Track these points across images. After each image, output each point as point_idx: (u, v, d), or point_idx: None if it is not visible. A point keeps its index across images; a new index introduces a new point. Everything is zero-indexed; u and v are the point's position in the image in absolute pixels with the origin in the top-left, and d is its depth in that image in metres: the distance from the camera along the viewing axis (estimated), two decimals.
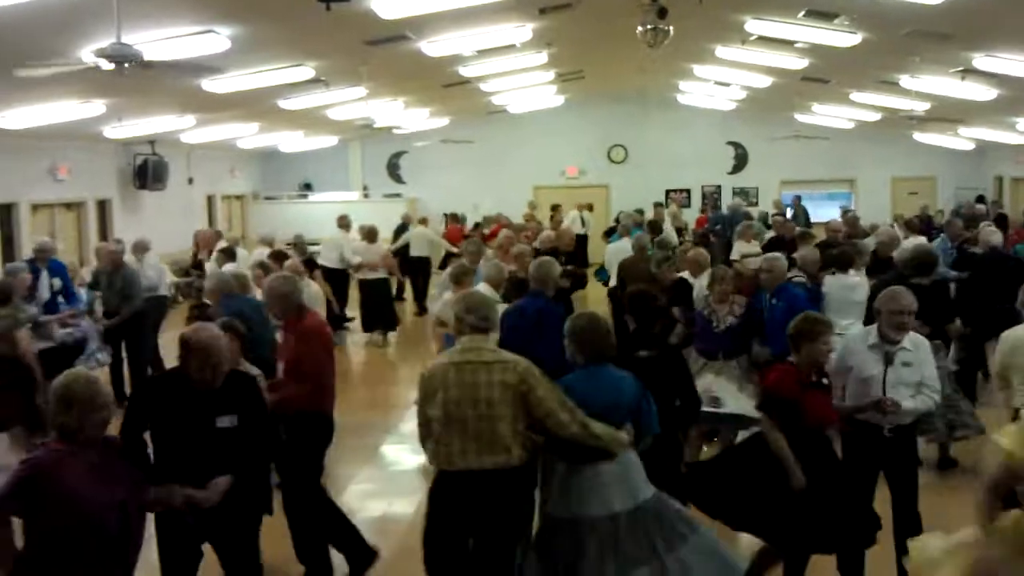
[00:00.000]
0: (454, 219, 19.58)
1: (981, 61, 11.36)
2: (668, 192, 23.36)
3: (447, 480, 4.49)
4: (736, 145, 23.82)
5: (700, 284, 8.28)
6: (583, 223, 20.84)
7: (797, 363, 5.10)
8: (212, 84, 11.48)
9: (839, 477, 5.07)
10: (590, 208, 21.87)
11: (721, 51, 14.62)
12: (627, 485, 4.51)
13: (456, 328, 4.72)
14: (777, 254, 8.27)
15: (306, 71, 12.14)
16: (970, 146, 21.74)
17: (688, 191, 23.61)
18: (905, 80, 13.93)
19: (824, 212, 20.06)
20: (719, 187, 23.76)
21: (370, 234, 14.26)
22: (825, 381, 5.18)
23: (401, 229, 17.56)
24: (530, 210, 19.98)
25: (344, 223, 14.61)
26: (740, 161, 23.93)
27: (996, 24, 9.88)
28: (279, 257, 10.47)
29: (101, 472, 3.87)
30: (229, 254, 11.52)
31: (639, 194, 22.15)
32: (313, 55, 11.70)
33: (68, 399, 3.81)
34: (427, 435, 4.55)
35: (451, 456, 4.43)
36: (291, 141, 20.87)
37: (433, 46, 11.74)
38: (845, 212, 17.03)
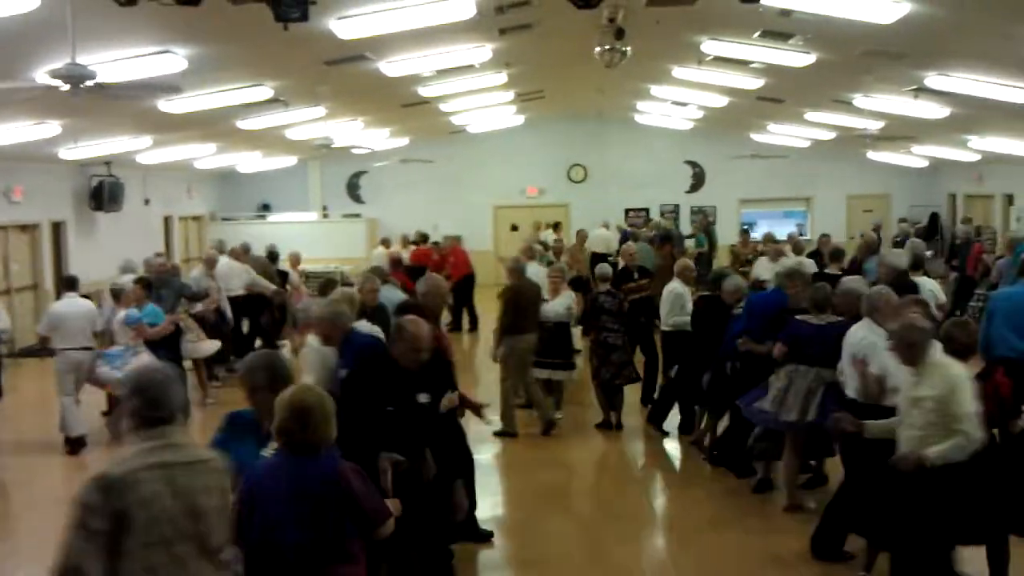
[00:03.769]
0: (422, 239, 19.31)
1: (933, 80, 11.56)
2: (627, 211, 23.53)
3: None
4: (694, 164, 24.04)
5: None
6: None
7: None
8: (169, 104, 11.40)
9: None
10: (556, 227, 21.59)
11: (678, 71, 14.75)
12: None
13: None
14: None
15: (264, 91, 12.09)
16: (923, 164, 22.12)
17: (647, 210, 23.76)
18: (859, 99, 14.15)
19: (782, 230, 20.27)
20: (677, 206, 23.94)
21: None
22: None
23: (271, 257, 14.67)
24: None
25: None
26: (698, 180, 24.14)
27: (947, 43, 10.06)
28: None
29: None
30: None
31: (599, 213, 22.28)
32: (271, 75, 11.65)
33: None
34: None
35: None
36: (249, 161, 20.75)
37: (392, 66, 11.75)
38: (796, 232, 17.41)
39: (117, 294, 10.16)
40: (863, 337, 6.07)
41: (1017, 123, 13.93)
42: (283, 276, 14.13)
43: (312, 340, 6.22)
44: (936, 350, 5.22)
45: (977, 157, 18.82)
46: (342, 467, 3.79)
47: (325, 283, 10.72)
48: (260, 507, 3.67)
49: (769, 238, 14.69)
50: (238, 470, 3.72)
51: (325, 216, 23.16)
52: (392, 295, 8.28)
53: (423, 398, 5.29)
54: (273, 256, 14.48)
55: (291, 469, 3.70)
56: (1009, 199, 19.94)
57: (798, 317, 7.10)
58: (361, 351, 5.68)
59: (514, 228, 23.12)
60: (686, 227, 21.42)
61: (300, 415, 3.71)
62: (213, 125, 14.18)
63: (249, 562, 3.67)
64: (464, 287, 16.31)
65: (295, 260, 14.81)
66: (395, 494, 4.60)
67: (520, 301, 9.45)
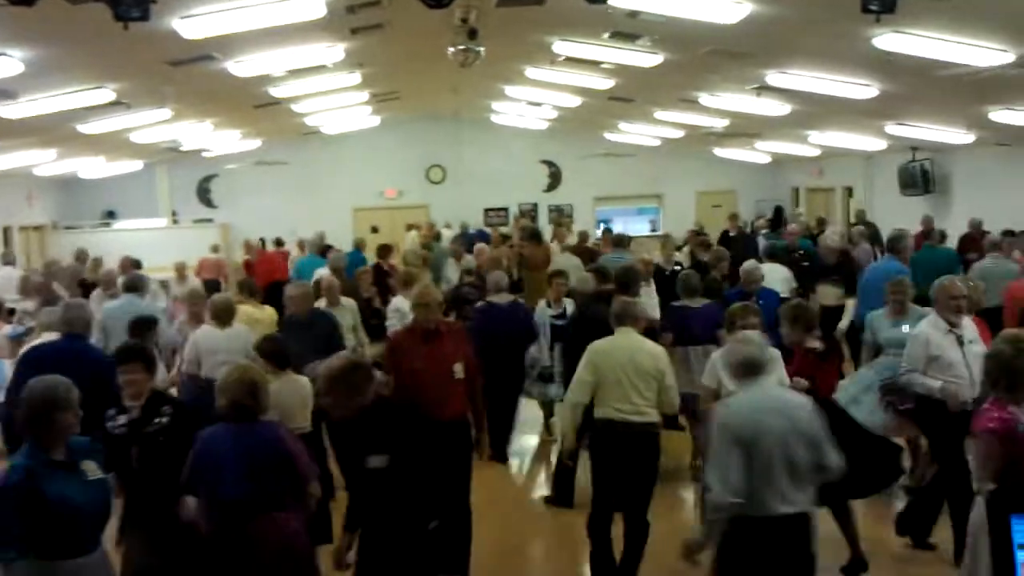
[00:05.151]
0: (277, 244, 18.91)
1: (774, 78, 12.02)
2: (487, 211, 23.66)
3: None
4: (550, 164, 24.36)
5: None
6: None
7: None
8: (5, 110, 10.85)
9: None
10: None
11: (531, 71, 14.91)
12: None
13: None
14: None
15: (106, 93, 11.63)
16: (767, 159, 23.00)
17: (506, 209, 23.95)
18: (704, 98, 14.60)
19: (635, 227, 20.78)
20: (535, 205, 24.21)
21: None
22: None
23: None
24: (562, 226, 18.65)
25: None
26: (554, 179, 24.48)
27: (787, 42, 10.48)
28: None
29: None
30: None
31: (459, 213, 22.36)
32: (113, 77, 11.22)
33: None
34: None
35: None
36: (92, 167, 19.89)
37: (241, 66, 11.46)
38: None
39: None
40: None
41: (854, 117, 14.64)
42: None
43: None
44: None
45: (817, 152, 19.70)
46: (280, 431, 4.75)
47: None
48: (211, 467, 4.46)
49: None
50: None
51: (175, 222, 22.43)
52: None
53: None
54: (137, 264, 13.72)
55: (237, 434, 4.53)
56: (849, 191, 20.94)
57: (676, 304, 8.24)
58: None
59: (375, 230, 22.90)
60: (544, 227, 21.73)
61: (252, 387, 4.61)
62: (53, 130, 13.54)
63: (205, 512, 4.50)
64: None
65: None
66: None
67: None
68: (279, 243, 18.95)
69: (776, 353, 5.61)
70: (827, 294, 10.67)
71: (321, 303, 8.81)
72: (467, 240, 17.07)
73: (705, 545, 4.51)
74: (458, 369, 6.00)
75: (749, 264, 9.15)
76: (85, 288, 12.98)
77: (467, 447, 6.15)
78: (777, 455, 4.29)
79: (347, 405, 4.50)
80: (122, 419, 5.02)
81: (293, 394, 6.19)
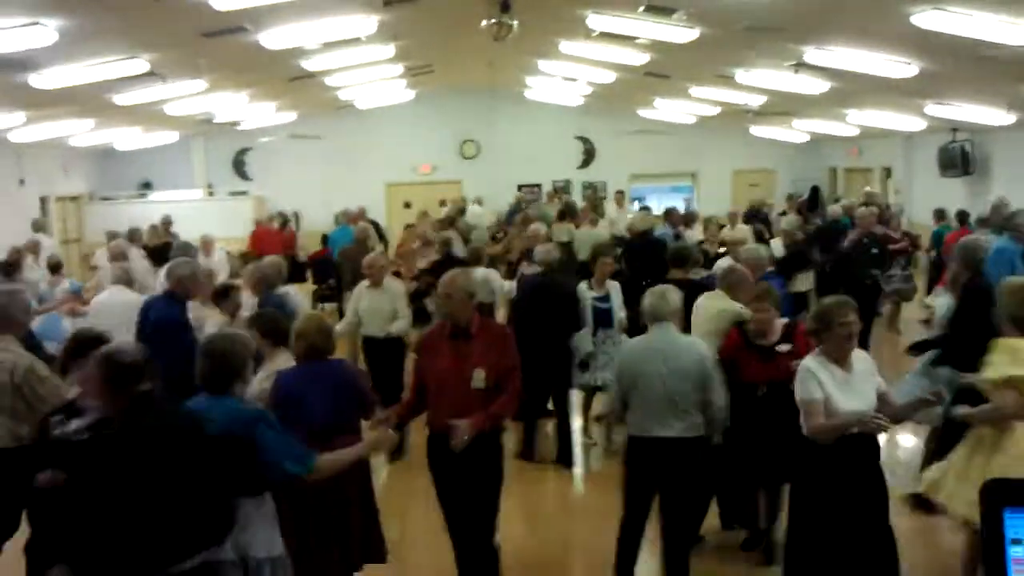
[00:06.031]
0: (283, 224, 18.76)
1: (812, 54, 11.83)
2: (520, 187, 23.57)
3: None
4: (584, 140, 24.20)
5: None
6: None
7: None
8: (40, 79, 10.91)
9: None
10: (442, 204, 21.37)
11: (565, 46, 14.79)
12: None
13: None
14: None
15: (141, 64, 11.65)
16: (805, 138, 22.71)
17: (539, 186, 23.85)
18: (740, 74, 14.41)
19: (670, 204, 20.58)
20: (569, 181, 24.09)
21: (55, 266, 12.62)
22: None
23: None
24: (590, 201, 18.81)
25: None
26: (588, 156, 24.32)
27: (826, 18, 10.30)
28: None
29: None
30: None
31: (492, 189, 22.33)
32: (147, 47, 11.24)
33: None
34: None
35: None
36: (128, 138, 20.05)
37: (273, 38, 11.44)
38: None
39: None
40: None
41: (893, 97, 14.40)
42: None
43: None
44: None
45: (856, 131, 19.42)
46: (352, 368, 5.82)
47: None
48: (296, 400, 4.96)
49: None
50: None
51: (211, 194, 22.56)
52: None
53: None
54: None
55: (318, 372, 5.16)
56: (887, 172, 20.65)
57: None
58: None
59: (407, 205, 22.92)
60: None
61: (326, 331, 5.40)
62: (88, 100, 13.62)
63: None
64: None
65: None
66: None
67: None
68: (284, 222, 18.85)
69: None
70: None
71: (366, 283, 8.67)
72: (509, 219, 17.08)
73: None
74: (478, 377, 5.16)
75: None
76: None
77: (487, 469, 5.30)
78: (656, 389, 5.30)
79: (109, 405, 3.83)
80: (75, 423, 4.15)
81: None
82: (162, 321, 6.98)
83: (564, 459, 8.40)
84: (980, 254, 7.00)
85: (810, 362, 4.86)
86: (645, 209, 15.48)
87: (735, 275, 6.81)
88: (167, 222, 16.45)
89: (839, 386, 4.76)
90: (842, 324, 4.78)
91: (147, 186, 22.53)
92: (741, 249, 8.84)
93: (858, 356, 4.92)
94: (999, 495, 2.10)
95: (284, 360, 5.50)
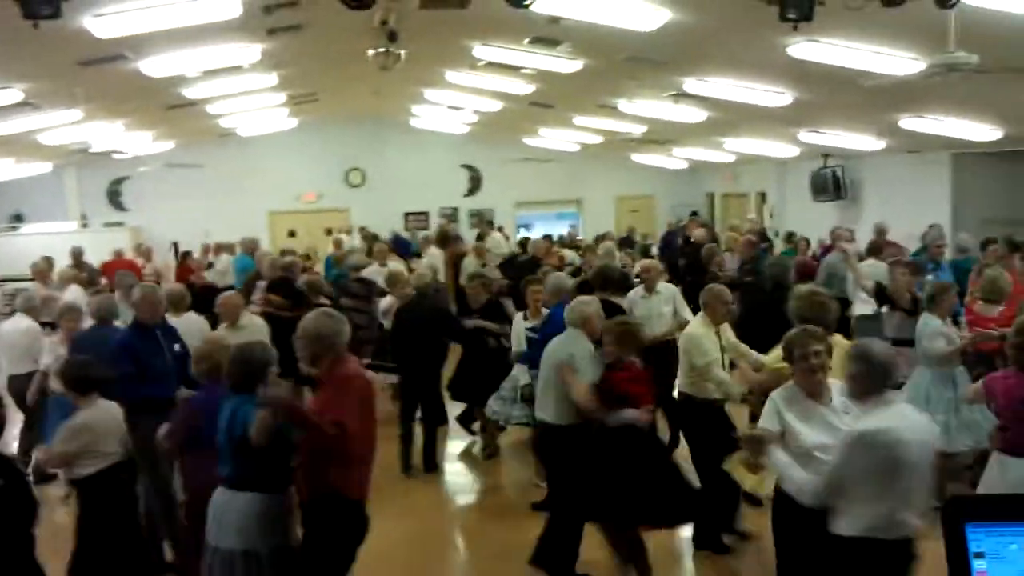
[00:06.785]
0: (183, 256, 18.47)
1: (691, 85, 12.19)
2: (407, 215, 23.52)
3: None
4: (471, 168, 24.32)
5: None
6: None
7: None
8: None
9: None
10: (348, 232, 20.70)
11: (452, 75, 14.87)
12: None
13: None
14: None
15: (14, 94, 11.25)
16: (684, 165, 23.33)
17: (426, 213, 23.84)
18: (623, 104, 14.74)
19: (556, 231, 20.89)
20: (456, 209, 24.16)
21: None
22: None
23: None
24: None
25: None
26: (475, 184, 24.45)
27: (705, 50, 10.62)
28: None
29: None
30: None
31: (379, 217, 22.21)
32: (22, 76, 10.84)
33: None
34: None
35: None
36: None
37: (153, 66, 11.19)
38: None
39: None
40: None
41: (768, 125, 14.91)
42: None
43: None
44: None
45: (732, 158, 20.04)
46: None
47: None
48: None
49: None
50: None
51: (84, 226, 21.79)
52: None
53: None
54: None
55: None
56: (762, 196, 21.34)
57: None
58: None
59: (292, 234, 22.61)
60: (464, 230, 21.73)
61: (225, 351, 5.46)
62: None
63: None
64: None
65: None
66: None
67: None
68: (184, 256, 18.56)
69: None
70: None
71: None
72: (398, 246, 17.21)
73: None
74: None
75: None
76: None
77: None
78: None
79: None
80: None
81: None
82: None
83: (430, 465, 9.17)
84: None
85: (777, 393, 4.62)
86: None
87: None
88: (78, 254, 15.90)
89: (805, 419, 4.48)
90: (803, 357, 4.51)
91: (18, 218, 21.65)
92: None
93: (837, 388, 4.56)
94: (960, 511, 2.17)
95: (96, 408, 5.62)
